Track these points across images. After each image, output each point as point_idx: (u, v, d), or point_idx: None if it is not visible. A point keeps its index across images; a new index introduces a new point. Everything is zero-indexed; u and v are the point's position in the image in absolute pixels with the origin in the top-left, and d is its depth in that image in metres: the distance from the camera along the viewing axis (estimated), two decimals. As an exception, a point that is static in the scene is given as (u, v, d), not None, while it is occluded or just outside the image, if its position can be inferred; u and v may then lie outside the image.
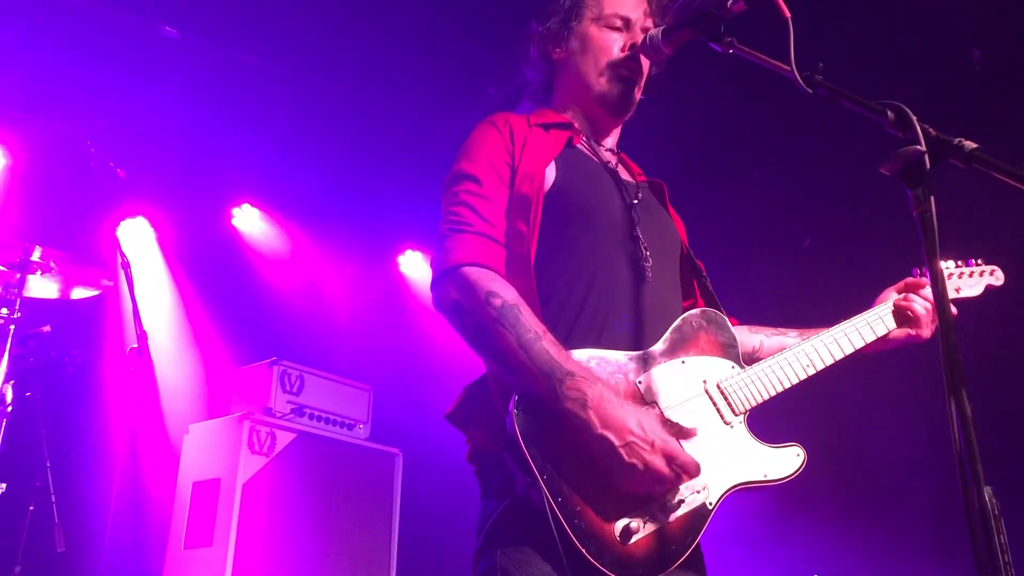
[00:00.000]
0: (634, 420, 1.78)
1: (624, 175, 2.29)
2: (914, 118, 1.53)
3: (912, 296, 2.32)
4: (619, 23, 2.30)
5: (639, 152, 2.50)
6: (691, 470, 1.82)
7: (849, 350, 2.22)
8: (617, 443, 1.76)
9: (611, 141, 2.38)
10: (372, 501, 5.11)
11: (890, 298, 2.36)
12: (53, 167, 5.53)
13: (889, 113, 1.57)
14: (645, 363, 1.97)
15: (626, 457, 1.76)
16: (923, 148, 1.48)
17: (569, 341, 1.91)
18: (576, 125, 2.29)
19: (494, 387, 1.94)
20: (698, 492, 1.89)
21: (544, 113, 2.30)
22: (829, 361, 2.18)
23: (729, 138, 5.48)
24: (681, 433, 1.89)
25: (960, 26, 4.42)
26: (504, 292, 1.86)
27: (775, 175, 5.51)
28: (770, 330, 2.39)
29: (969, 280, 2.54)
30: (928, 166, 1.47)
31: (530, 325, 1.83)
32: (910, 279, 2.38)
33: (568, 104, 2.35)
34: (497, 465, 1.89)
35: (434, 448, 5.89)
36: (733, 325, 2.37)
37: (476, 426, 2.00)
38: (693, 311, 2.10)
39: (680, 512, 1.86)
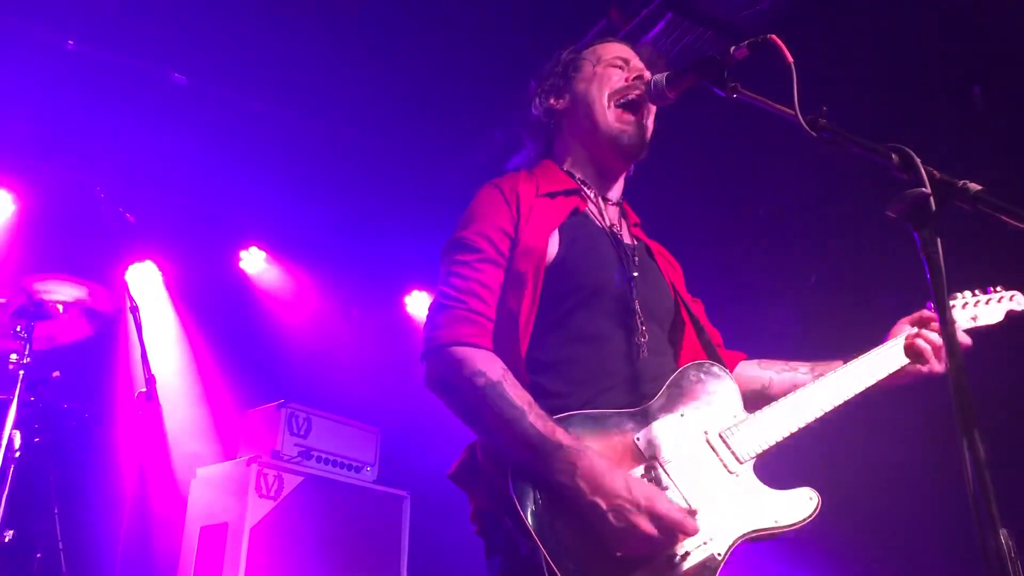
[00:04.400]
0: (622, 484, 1.79)
1: (625, 237, 2.29)
2: (918, 161, 1.55)
3: (922, 332, 2.26)
4: (620, 63, 2.35)
5: (644, 192, 2.51)
6: (685, 528, 1.81)
7: (859, 389, 2.17)
8: (605, 507, 1.77)
9: (617, 191, 2.38)
10: (380, 544, 5.08)
11: (902, 332, 2.30)
12: (62, 212, 5.58)
13: (894, 156, 1.58)
14: (643, 419, 1.97)
15: (615, 521, 1.77)
16: (928, 190, 1.49)
17: (564, 409, 1.92)
18: (584, 183, 2.29)
19: (482, 456, 1.96)
20: (704, 544, 1.86)
21: (552, 175, 2.28)
22: (838, 402, 2.13)
23: (733, 174, 5.51)
24: (680, 488, 1.89)
25: (959, 63, 4.46)
26: (489, 370, 1.89)
27: (780, 211, 5.53)
28: (780, 365, 2.37)
29: (987, 308, 2.43)
30: (934, 208, 1.48)
31: (515, 401, 1.85)
32: (924, 312, 2.31)
33: (575, 152, 2.35)
34: (499, 526, 1.90)
35: (442, 490, 5.85)
36: (742, 360, 2.37)
37: (477, 487, 2.00)
38: (689, 364, 2.10)
39: (687, 566, 1.83)
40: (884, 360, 2.23)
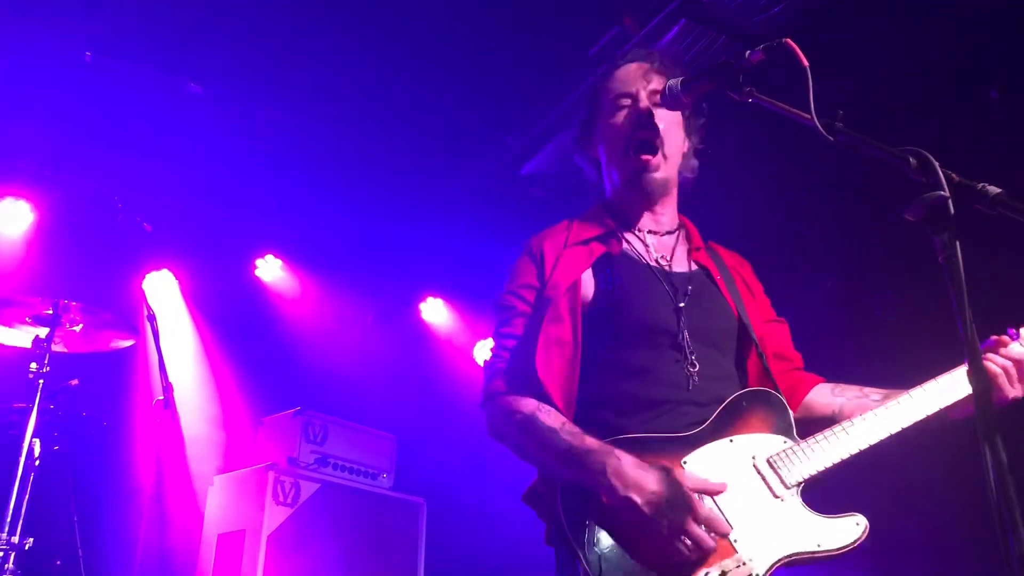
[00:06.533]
0: (654, 478, 1.86)
1: (678, 266, 2.31)
2: (936, 164, 1.54)
3: (990, 355, 2.15)
4: (626, 101, 2.37)
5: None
6: (717, 526, 1.87)
7: (918, 417, 2.12)
8: (640, 501, 1.84)
9: (667, 222, 2.40)
10: (397, 551, 5.08)
11: None
12: (80, 222, 5.63)
13: (911, 159, 1.58)
14: (691, 444, 2.02)
15: (649, 512, 1.83)
16: (947, 194, 1.48)
17: (613, 437, 1.99)
18: (630, 222, 2.35)
19: (541, 482, 2.11)
20: (743, 564, 1.88)
21: (592, 222, 2.36)
22: (895, 430, 2.10)
23: (748, 179, 5.48)
24: (722, 510, 1.93)
25: (976, 67, 4.43)
26: (522, 407, 2.08)
27: (795, 216, 5.49)
28: (854, 392, 2.30)
29: None
30: (952, 212, 1.47)
31: (547, 425, 2.02)
32: (995, 337, 2.21)
33: (616, 192, 2.42)
34: (560, 544, 2.00)
35: (458, 497, 5.86)
36: (819, 384, 2.36)
37: (541, 509, 2.12)
38: (741, 393, 2.13)
39: None
40: (949, 388, 2.16)
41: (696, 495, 1.87)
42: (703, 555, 1.85)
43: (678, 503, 1.83)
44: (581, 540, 1.86)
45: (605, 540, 1.87)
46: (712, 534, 1.86)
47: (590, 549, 1.85)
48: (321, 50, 5.32)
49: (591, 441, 1.95)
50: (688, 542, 1.83)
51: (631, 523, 1.85)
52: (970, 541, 4.32)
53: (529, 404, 2.07)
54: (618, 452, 1.91)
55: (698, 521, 1.84)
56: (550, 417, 2.03)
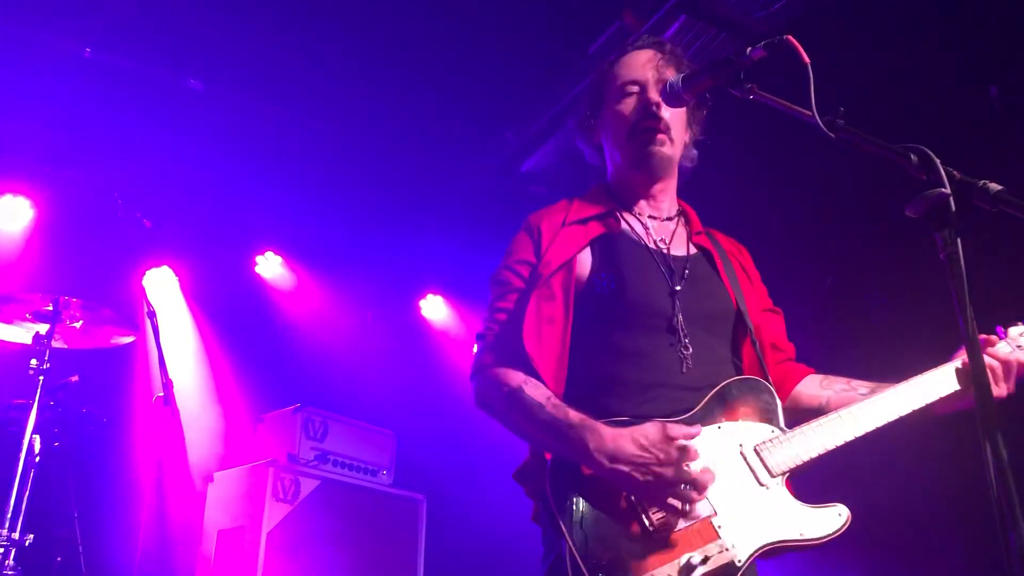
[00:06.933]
0: (633, 444, 1.91)
1: (676, 249, 2.31)
2: (938, 161, 1.54)
3: None
4: (635, 88, 2.36)
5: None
6: (701, 481, 1.91)
7: (905, 411, 2.13)
8: (627, 469, 1.89)
9: (666, 207, 2.41)
10: (396, 548, 5.09)
11: (962, 355, 2.21)
12: (80, 219, 5.63)
13: (912, 156, 1.58)
14: None
15: (640, 477, 1.88)
16: (948, 191, 1.48)
17: (605, 418, 2.01)
18: (629, 204, 2.36)
19: (530, 456, 2.13)
20: (726, 550, 1.90)
21: (592, 202, 2.37)
22: (881, 423, 2.10)
23: (745, 176, 5.48)
24: (707, 495, 1.94)
25: (976, 63, 4.43)
26: (510, 380, 2.11)
27: (794, 214, 5.49)
28: (841, 385, 2.32)
29: None
30: (953, 208, 1.48)
31: (533, 399, 2.06)
32: (983, 336, 2.19)
33: (617, 175, 2.42)
34: (548, 522, 2.01)
35: (458, 493, 5.87)
36: (809, 375, 2.37)
37: (529, 486, 2.13)
38: (731, 380, 2.13)
39: (706, 569, 1.87)
40: (936, 383, 2.16)
41: (672, 450, 1.90)
42: (696, 490, 1.89)
43: (658, 452, 1.88)
44: (568, 517, 1.89)
45: (591, 516, 1.90)
46: (695, 507, 1.90)
47: (576, 526, 1.88)
48: (321, 47, 5.31)
49: (574, 415, 1.98)
50: (681, 488, 1.87)
51: (622, 491, 1.90)
52: (970, 538, 4.33)
53: (516, 377, 2.10)
54: (599, 427, 1.94)
55: (681, 459, 1.88)
56: (536, 391, 2.06)
